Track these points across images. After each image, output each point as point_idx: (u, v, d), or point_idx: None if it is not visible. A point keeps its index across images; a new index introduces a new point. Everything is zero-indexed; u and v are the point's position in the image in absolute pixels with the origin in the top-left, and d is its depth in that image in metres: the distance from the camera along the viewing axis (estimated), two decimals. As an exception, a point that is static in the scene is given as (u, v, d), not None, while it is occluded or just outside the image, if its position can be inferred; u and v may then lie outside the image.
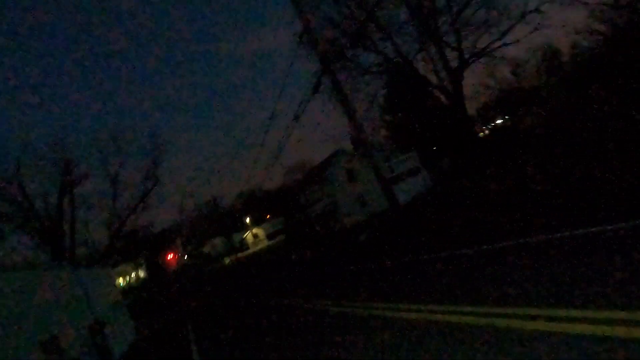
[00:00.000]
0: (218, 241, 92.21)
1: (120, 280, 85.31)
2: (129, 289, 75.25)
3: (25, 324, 17.43)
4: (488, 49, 19.21)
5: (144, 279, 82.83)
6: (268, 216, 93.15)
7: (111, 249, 40.14)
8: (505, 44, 19.32)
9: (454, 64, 19.01)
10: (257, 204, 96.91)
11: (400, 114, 49.64)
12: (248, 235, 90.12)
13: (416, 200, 29.06)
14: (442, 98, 22.16)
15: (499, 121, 60.65)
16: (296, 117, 17.96)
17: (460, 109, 18.70)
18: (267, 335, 10.44)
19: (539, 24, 19.26)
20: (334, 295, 11.80)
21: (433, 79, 20.54)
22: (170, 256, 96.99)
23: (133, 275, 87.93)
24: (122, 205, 40.02)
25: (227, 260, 75.78)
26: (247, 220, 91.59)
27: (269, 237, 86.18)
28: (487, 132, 59.55)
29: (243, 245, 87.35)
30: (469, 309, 6.04)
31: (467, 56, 18.90)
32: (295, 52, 23.19)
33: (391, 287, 9.63)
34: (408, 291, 8.65)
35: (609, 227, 6.70)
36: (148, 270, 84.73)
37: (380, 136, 52.64)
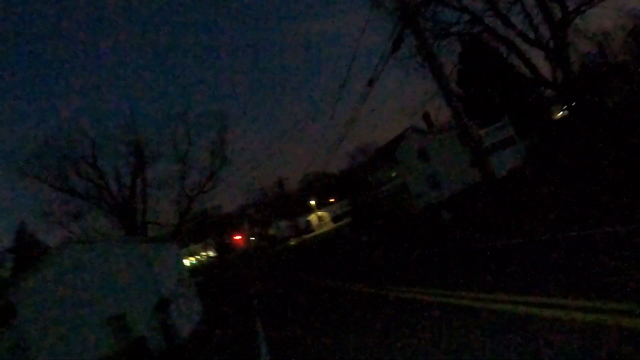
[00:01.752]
0: (283, 223, 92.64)
1: (192, 259, 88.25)
2: (199, 267, 77.53)
3: (95, 299, 17.23)
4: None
5: (213, 259, 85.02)
6: (332, 200, 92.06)
7: (180, 228, 40.64)
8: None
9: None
10: (322, 186, 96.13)
11: (474, 89, 46.14)
12: (313, 217, 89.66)
13: (512, 174, 26.03)
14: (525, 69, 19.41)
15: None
16: (371, 82, 16.15)
17: (565, 69, 15.91)
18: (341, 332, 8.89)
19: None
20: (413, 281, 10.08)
21: (515, 46, 17.71)
22: (238, 237, 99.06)
23: (203, 254, 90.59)
24: (191, 185, 40.33)
25: (292, 242, 75.74)
26: (312, 202, 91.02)
27: (334, 219, 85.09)
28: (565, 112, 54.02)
29: (308, 227, 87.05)
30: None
31: (570, 8, 15.98)
32: (368, 16, 21.21)
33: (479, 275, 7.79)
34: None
35: None
36: (217, 250, 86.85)
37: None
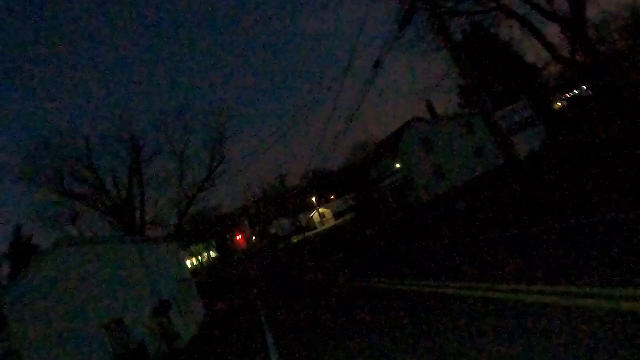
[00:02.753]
0: (285, 221, 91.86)
1: (193, 260, 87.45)
2: (200, 268, 76.67)
3: (90, 303, 16.19)
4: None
5: (215, 259, 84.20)
6: (332, 197, 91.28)
7: (180, 229, 39.68)
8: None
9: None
10: (322, 183, 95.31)
11: (476, 77, 45.05)
12: (314, 214, 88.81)
13: (533, 158, 24.73)
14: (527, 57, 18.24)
15: (576, 91, 53.50)
16: (377, 64, 15.12)
17: (586, 47, 14.76)
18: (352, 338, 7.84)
19: None
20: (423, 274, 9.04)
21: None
22: (239, 237, 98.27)
23: (205, 255, 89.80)
24: (189, 184, 39.33)
25: (295, 240, 74.89)
26: (313, 199, 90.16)
27: (336, 216, 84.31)
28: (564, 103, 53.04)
29: (310, 224, 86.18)
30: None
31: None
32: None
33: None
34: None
35: None
36: (218, 250, 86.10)
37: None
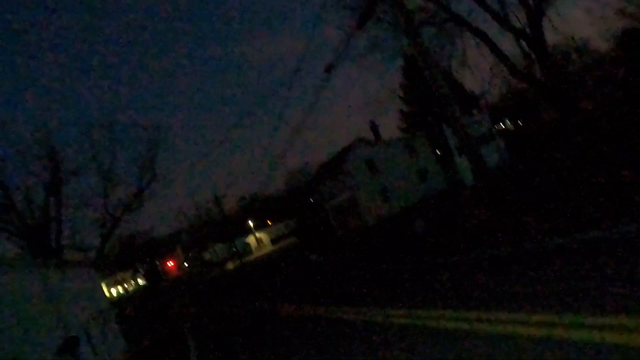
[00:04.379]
0: (220, 247, 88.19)
1: (119, 288, 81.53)
2: (126, 297, 71.03)
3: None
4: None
5: (143, 288, 78.57)
6: (269, 222, 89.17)
7: (102, 253, 35.81)
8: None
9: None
10: (260, 208, 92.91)
11: (418, 104, 45.46)
12: (251, 239, 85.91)
13: (499, 171, 23.78)
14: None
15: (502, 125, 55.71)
16: (329, 68, 13.74)
17: (545, 62, 14.33)
18: None
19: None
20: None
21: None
22: (170, 263, 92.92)
23: (132, 282, 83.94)
24: (115, 204, 35.72)
25: (230, 265, 71.67)
26: (251, 224, 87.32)
27: (273, 241, 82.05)
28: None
29: (246, 250, 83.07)
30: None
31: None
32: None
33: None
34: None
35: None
36: (147, 278, 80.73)
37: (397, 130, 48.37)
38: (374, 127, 38.57)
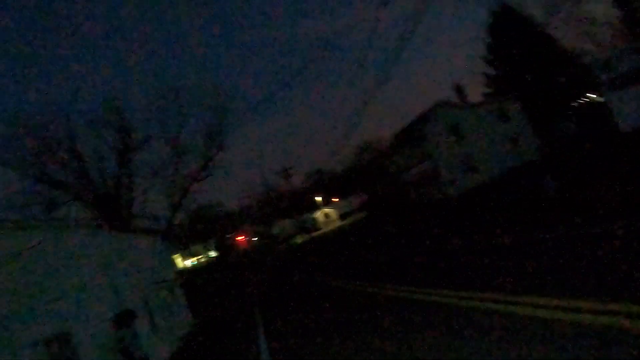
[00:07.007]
0: (287, 222, 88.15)
1: (193, 260, 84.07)
2: (196, 269, 72.76)
3: (24, 313, 11.65)
4: None
5: (214, 259, 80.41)
6: (336, 199, 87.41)
7: (172, 223, 35.37)
8: None
9: None
10: (327, 184, 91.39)
11: (508, 66, 40.52)
12: (319, 214, 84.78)
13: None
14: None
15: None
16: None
17: None
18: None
19: None
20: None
21: None
22: (240, 237, 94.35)
23: (203, 255, 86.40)
24: (183, 174, 35.02)
25: (299, 240, 70.97)
26: (319, 199, 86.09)
27: (342, 217, 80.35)
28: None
29: (314, 225, 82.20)
30: None
31: None
32: None
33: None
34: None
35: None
36: (218, 250, 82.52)
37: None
38: (458, 89, 34.53)
